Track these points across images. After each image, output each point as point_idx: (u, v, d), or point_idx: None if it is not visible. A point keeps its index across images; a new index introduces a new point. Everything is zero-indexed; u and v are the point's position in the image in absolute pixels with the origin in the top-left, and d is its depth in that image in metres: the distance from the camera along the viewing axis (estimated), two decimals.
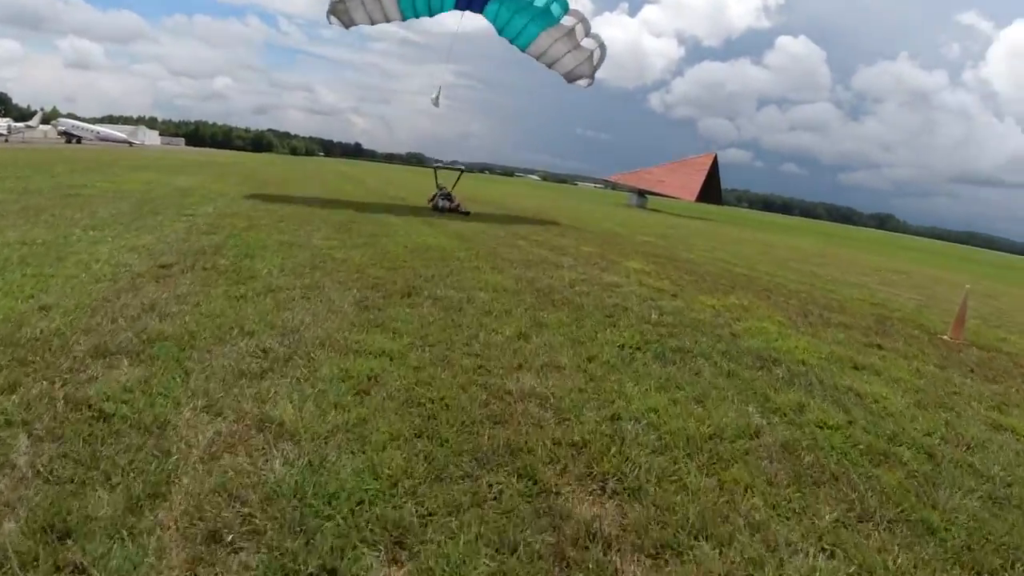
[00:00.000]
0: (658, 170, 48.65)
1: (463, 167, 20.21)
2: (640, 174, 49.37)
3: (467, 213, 15.31)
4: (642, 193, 48.58)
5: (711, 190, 45.64)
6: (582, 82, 14.03)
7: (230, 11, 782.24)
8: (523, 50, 13.61)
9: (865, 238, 62.56)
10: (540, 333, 5.17)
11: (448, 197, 15.97)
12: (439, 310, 5.60)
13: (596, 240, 13.96)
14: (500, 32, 13.73)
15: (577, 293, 7.09)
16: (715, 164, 45.67)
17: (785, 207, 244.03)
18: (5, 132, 47.73)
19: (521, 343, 4.85)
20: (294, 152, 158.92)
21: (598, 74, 14.39)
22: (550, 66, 13.77)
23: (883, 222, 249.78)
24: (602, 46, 13.42)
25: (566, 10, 12.58)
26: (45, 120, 75.59)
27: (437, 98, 15.50)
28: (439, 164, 21.40)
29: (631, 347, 5.09)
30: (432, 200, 16.19)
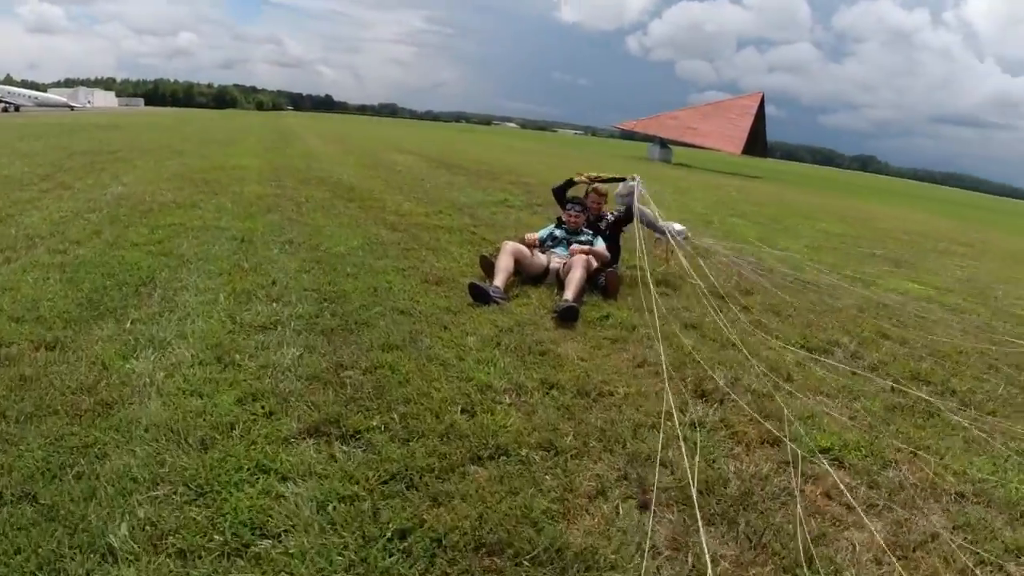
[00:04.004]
0: (686, 114, 38.86)
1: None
2: (663, 120, 39.48)
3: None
4: (664, 144, 38.78)
5: (757, 139, 36.02)
6: None
7: None
8: None
9: (967, 202, 53.96)
10: None
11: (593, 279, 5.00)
12: None
13: None
14: None
15: None
16: (762, 107, 35.89)
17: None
18: None
19: None
20: (260, 107, 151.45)
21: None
22: None
23: (865, 164, 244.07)
24: None
25: None
26: None
27: None
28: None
29: None
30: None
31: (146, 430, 2.33)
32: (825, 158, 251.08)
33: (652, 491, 2.36)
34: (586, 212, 5.61)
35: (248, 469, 2.16)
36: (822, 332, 4.69)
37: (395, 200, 9.12)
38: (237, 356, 3.09)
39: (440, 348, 3.47)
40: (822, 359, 4.12)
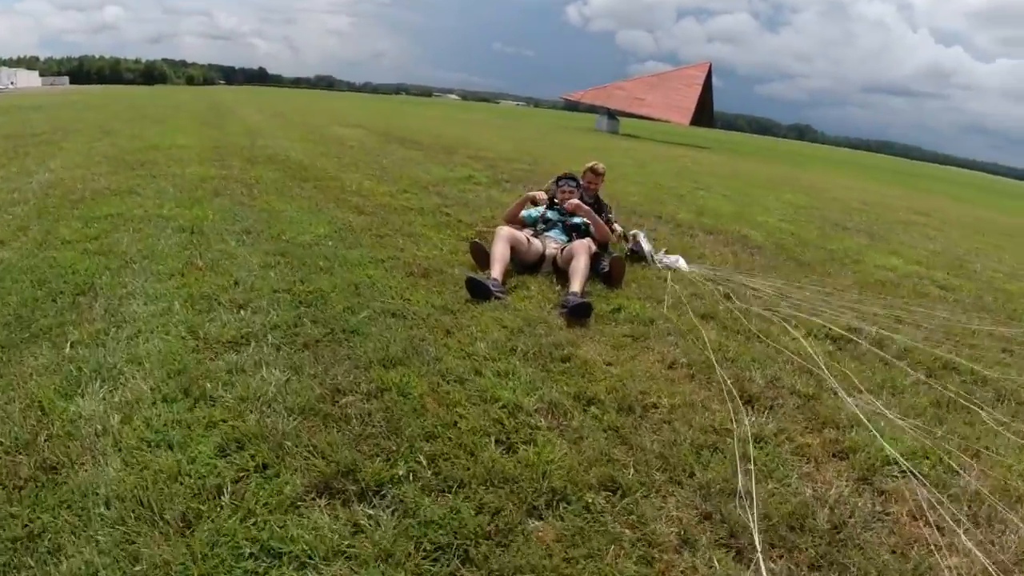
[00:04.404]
0: (633, 85, 38.65)
1: None
2: (610, 90, 39.12)
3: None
4: (612, 115, 38.53)
5: (704, 109, 36.18)
6: None
7: None
8: None
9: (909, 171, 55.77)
10: None
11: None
12: None
13: None
14: None
15: None
16: (709, 77, 35.98)
17: None
18: None
19: None
20: (190, 82, 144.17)
21: None
22: None
23: (801, 133, 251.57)
24: None
25: None
26: None
27: None
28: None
29: None
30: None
31: (107, 505, 1.77)
32: (762, 127, 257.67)
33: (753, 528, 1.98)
34: (580, 190, 5.17)
35: (251, 554, 1.65)
36: (837, 316, 4.42)
37: (353, 179, 8.43)
38: (208, 385, 2.52)
39: (450, 359, 2.98)
40: (851, 340, 3.85)
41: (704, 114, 36.50)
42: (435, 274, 4.35)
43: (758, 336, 3.83)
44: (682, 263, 5.17)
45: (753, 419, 2.80)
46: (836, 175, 24.76)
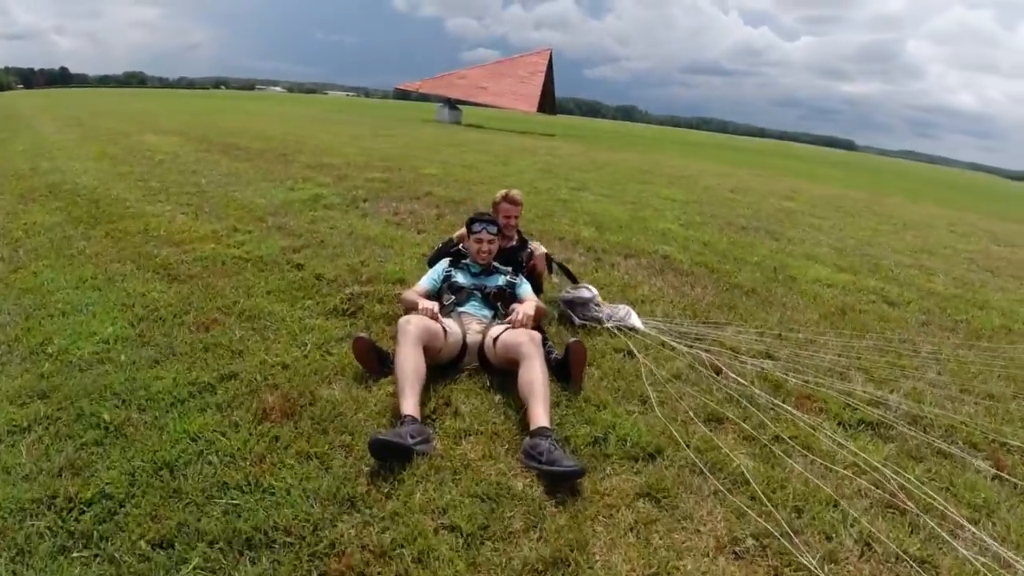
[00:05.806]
0: (475, 73, 37.56)
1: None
2: (450, 79, 37.69)
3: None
4: (453, 105, 37.30)
5: (547, 96, 36.03)
6: None
7: None
8: None
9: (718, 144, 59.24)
10: None
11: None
12: None
13: None
14: None
15: None
16: (550, 64, 35.82)
17: None
18: None
19: None
20: None
21: None
22: None
23: (628, 113, 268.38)
24: None
25: None
26: None
27: None
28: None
29: None
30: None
31: None
32: (591, 109, 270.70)
33: None
34: (499, 235, 3.76)
35: None
36: (848, 384, 3.49)
37: (162, 214, 6.32)
38: None
39: None
40: (893, 426, 2.88)
41: (547, 101, 36.37)
42: (303, 407, 2.74)
43: (794, 446, 2.73)
44: (634, 318, 3.99)
45: None
46: (683, 158, 25.47)
